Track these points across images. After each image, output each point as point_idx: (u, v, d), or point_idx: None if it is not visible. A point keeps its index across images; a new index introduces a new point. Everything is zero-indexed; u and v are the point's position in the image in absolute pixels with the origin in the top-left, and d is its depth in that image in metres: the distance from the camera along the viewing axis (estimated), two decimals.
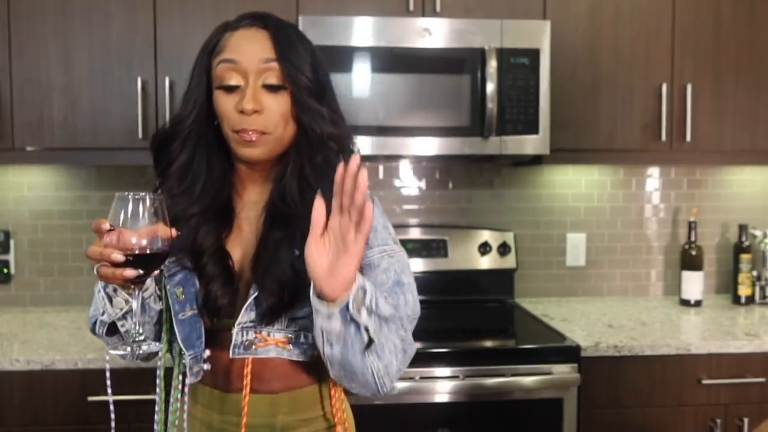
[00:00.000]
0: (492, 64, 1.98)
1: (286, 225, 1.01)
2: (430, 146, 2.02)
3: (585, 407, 1.85)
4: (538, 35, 2.03)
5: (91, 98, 2.03)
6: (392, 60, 1.99)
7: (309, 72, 1.00)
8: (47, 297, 2.38)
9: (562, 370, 1.82)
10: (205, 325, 1.04)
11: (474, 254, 2.40)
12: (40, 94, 2.02)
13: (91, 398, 1.74)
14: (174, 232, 0.90)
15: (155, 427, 1.07)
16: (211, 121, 1.04)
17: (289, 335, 1.02)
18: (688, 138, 2.18)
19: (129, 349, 0.93)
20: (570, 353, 1.84)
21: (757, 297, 2.44)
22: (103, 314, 1.03)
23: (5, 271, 2.35)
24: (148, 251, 0.87)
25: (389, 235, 1.06)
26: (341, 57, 1.95)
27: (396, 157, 2.30)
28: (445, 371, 1.78)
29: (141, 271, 0.87)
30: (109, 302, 1.00)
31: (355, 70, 1.97)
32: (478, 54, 2.01)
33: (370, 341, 0.91)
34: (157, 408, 1.08)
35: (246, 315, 1.01)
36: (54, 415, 1.77)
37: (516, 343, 2.07)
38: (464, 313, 2.32)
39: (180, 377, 1.06)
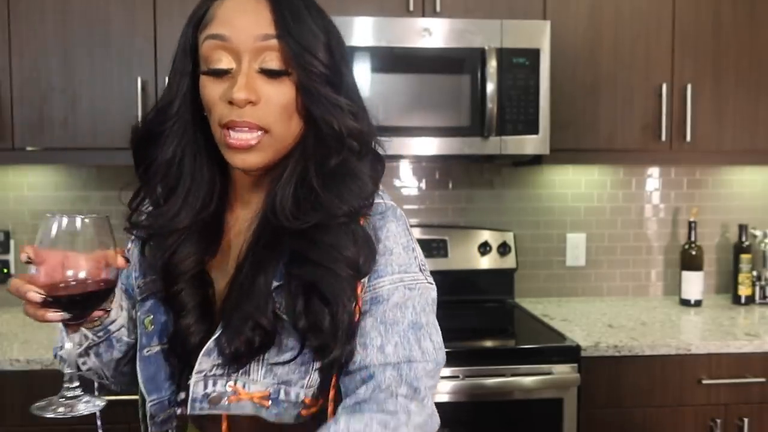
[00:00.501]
0: (492, 64, 1.98)
1: (273, 245, 0.80)
2: (430, 146, 2.02)
3: (585, 407, 1.85)
4: (538, 35, 2.03)
5: (91, 98, 2.03)
6: (392, 60, 1.99)
7: (322, 52, 0.79)
8: None
9: (562, 370, 1.82)
10: (171, 365, 0.85)
11: (474, 254, 2.40)
12: (40, 94, 2.02)
13: None
14: (121, 260, 0.74)
15: None
16: (199, 112, 0.83)
17: (269, 389, 0.79)
18: (688, 138, 2.18)
19: (62, 409, 0.73)
20: (570, 353, 1.84)
21: (757, 297, 2.44)
22: (61, 348, 0.89)
23: (5, 271, 2.35)
24: (88, 287, 0.70)
25: (414, 260, 0.84)
26: None
27: (396, 157, 2.30)
28: (445, 371, 1.78)
29: (67, 315, 0.71)
30: (66, 335, 0.83)
31: (355, 70, 1.97)
32: (478, 54, 2.01)
33: None
34: None
35: (206, 361, 0.79)
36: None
37: (516, 343, 2.07)
38: (464, 313, 2.32)
39: (142, 428, 0.88)
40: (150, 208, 0.88)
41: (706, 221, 2.58)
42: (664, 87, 2.16)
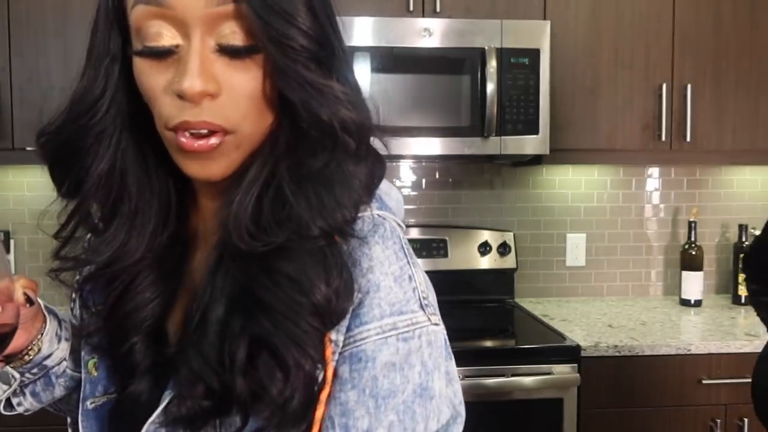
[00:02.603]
0: (492, 64, 1.98)
1: (233, 276, 0.58)
2: (430, 146, 2.02)
3: (585, 407, 1.85)
4: (538, 35, 2.03)
5: None
6: (392, 60, 1.99)
7: (304, 19, 0.56)
8: (47, 297, 2.35)
9: (562, 370, 1.82)
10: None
11: (474, 254, 2.40)
12: (40, 94, 2.02)
13: None
14: (20, 296, 0.61)
15: None
16: (137, 100, 0.61)
17: None
18: (688, 138, 2.18)
19: None
20: (570, 353, 1.84)
21: None
22: None
23: None
24: None
25: (412, 293, 0.60)
26: None
27: (396, 157, 2.30)
28: None
29: None
30: None
31: (355, 70, 1.97)
32: (478, 54, 2.01)
33: None
34: None
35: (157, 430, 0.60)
36: (54, 415, 1.77)
37: (516, 343, 2.07)
38: (464, 313, 2.32)
39: None
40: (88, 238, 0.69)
41: (706, 221, 2.58)
42: (664, 87, 2.16)
